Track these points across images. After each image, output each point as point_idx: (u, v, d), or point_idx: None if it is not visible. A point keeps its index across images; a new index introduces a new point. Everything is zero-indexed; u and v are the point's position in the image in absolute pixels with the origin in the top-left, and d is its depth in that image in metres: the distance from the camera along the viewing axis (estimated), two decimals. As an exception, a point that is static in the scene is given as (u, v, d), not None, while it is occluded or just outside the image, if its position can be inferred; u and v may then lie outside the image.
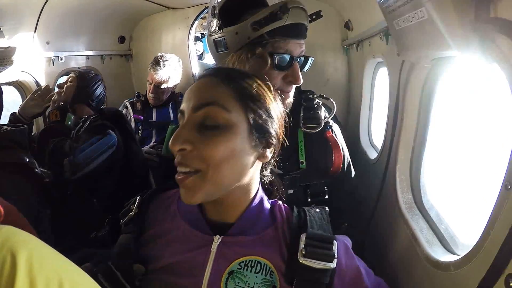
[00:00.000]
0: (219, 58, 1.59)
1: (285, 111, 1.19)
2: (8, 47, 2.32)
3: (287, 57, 1.43)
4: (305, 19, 1.47)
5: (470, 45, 0.95)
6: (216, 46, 1.57)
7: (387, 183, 1.88)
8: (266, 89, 1.10)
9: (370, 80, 2.87)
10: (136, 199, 1.21)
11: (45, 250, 0.68)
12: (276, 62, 1.42)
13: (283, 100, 1.46)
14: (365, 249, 1.66)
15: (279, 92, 1.46)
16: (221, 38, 1.53)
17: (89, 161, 2.13)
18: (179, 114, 1.04)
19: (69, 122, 2.46)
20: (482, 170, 1.67)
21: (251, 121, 1.02)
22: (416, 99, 1.67)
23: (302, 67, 1.50)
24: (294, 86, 1.52)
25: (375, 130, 2.84)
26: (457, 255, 1.30)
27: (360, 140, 2.88)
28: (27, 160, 1.71)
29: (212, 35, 1.57)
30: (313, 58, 1.55)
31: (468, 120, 1.84)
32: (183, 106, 1.03)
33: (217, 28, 1.53)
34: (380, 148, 2.21)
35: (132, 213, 1.16)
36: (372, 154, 2.50)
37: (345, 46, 3.43)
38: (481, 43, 0.93)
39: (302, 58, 1.50)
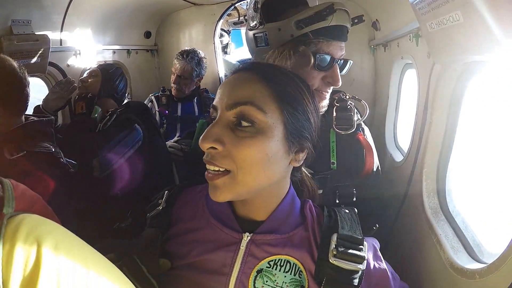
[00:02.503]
0: (258, 53, 1.58)
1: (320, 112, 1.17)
2: (38, 40, 2.36)
3: (329, 58, 1.43)
4: (348, 22, 1.46)
5: (504, 50, 0.93)
6: (256, 41, 1.56)
7: (412, 187, 1.85)
8: (305, 90, 1.07)
9: (397, 82, 2.82)
10: (164, 193, 1.21)
11: (71, 240, 0.69)
12: (318, 62, 1.42)
13: (318, 102, 1.47)
14: (388, 252, 1.65)
15: (319, 92, 1.46)
16: (262, 33, 1.52)
17: (117, 158, 2.16)
18: (211, 109, 1.02)
19: (96, 115, 2.48)
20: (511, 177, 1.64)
21: (288, 124, 1.00)
22: (445, 103, 1.64)
23: (341, 69, 1.49)
24: (331, 88, 1.51)
25: (400, 133, 2.80)
26: (483, 263, 1.28)
27: (385, 142, 2.85)
28: (53, 150, 1.75)
29: (252, 30, 1.56)
30: (352, 62, 1.54)
31: (497, 126, 1.80)
32: (217, 101, 1.01)
33: (258, 23, 1.52)
34: (406, 151, 2.18)
35: (160, 207, 1.16)
36: (398, 157, 2.47)
37: (372, 46, 3.39)
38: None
39: (342, 61, 1.50)
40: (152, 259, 1.03)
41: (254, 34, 1.56)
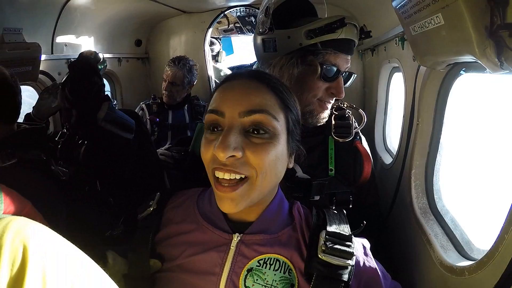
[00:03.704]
0: (264, 58, 1.60)
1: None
2: (29, 48, 2.35)
3: (335, 69, 1.46)
4: (356, 36, 1.49)
5: (485, 50, 0.95)
6: (264, 46, 1.57)
7: (402, 188, 1.87)
8: (297, 101, 1.13)
9: (385, 85, 2.86)
10: (156, 195, 1.22)
11: (57, 242, 0.71)
12: (324, 73, 1.45)
13: (318, 113, 1.50)
14: (380, 253, 1.66)
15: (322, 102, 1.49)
16: (271, 39, 1.53)
17: (114, 119, 2.05)
18: (211, 114, 1.00)
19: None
20: (498, 175, 1.66)
21: (290, 130, 1.05)
22: (431, 104, 1.67)
23: (345, 82, 1.53)
24: (334, 99, 1.54)
25: (390, 135, 2.83)
26: (472, 260, 1.30)
27: (375, 145, 2.87)
28: (44, 157, 1.74)
29: (261, 35, 1.57)
30: (356, 75, 1.58)
31: (485, 125, 1.83)
32: (222, 106, 1.00)
33: (267, 29, 1.53)
34: (395, 153, 2.20)
35: (151, 208, 1.17)
36: (387, 159, 2.50)
37: (360, 51, 3.43)
38: (497, 49, 0.93)
39: (347, 73, 1.53)
40: (142, 260, 1.05)
41: (262, 39, 1.57)
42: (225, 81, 1.08)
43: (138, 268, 1.06)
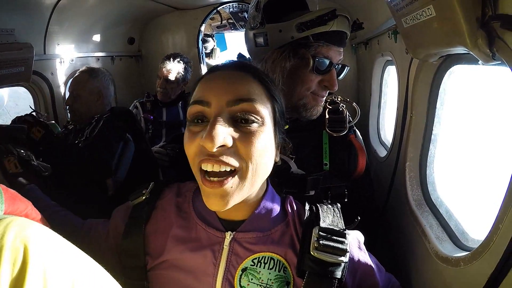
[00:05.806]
0: (257, 53, 1.59)
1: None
2: (21, 49, 2.33)
3: (327, 62, 1.45)
4: (348, 28, 1.48)
5: (477, 41, 0.95)
6: (256, 41, 1.56)
7: (396, 180, 1.88)
8: (281, 93, 1.10)
9: (379, 78, 2.87)
10: (149, 184, 1.20)
11: (58, 242, 0.71)
12: (316, 65, 1.44)
13: (311, 107, 1.49)
14: (375, 245, 1.67)
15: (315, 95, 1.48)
16: (262, 34, 1.52)
17: (124, 173, 2.24)
18: (197, 105, 0.97)
19: (58, 130, 2.45)
20: (491, 165, 1.67)
21: (276, 121, 1.03)
22: (425, 96, 1.68)
23: (338, 74, 1.52)
24: (327, 92, 1.54)
25: (384, 128, 2.84)
26: (468, 250, 1.30)
27: (369, 138, 2.88)
28: (23, 153, 1.72)
29: (253, 29, 1.57)
30: (349, 67, 1.57)
31: (477, 117, 1.84)
32: (207, 96, 0.96)
33: (258, 23, 1.52)
34: (389, 146, 2.21)
35: (143, 197, 1.15)
36: (382, 152, 2.51)
37: (354, 45, 3.44)
38: (488, 40, 0.94)
39: (340, 66, 1.52)
40: (136, 250, 1.07)
41: (254, 34, 1.56)
42: (209, 72, 1.06)
43: (132, 257, 1.06)
